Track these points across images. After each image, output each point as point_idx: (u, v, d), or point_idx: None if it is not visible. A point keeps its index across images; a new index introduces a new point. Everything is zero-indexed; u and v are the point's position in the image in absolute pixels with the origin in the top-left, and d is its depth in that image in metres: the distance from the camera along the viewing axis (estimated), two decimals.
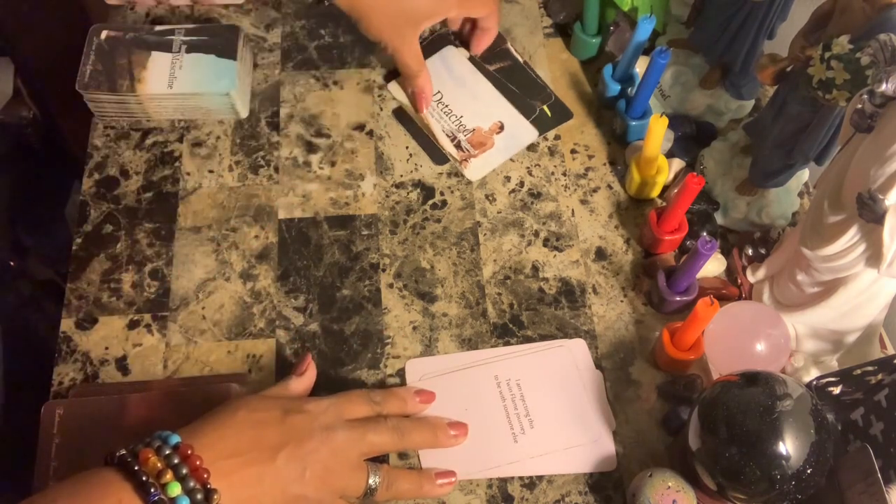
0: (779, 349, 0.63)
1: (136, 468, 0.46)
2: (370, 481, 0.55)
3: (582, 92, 0.84)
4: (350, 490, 0.55)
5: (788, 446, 0.51)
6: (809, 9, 0.63)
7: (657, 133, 0.69)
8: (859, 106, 0.53)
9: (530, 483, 0.64)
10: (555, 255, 0.75)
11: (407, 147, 0.80)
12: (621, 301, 0.72)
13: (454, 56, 0.84)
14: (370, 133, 0.80)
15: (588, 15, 0.81)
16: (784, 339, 0.64)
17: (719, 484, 0.54)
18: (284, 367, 0.68)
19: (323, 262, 0.73)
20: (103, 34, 0.78)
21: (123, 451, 0.47)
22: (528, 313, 0.72)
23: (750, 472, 0.52)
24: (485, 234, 0.75)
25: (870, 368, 0.58)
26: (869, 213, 0.52)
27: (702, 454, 0.55)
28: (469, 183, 0.78)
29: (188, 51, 0.78)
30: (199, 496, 0.46)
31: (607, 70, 0.80)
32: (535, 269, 0.74)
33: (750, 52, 0.72)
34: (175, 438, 0.48)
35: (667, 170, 0.75)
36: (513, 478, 0.64)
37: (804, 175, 0.77)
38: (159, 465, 0.46)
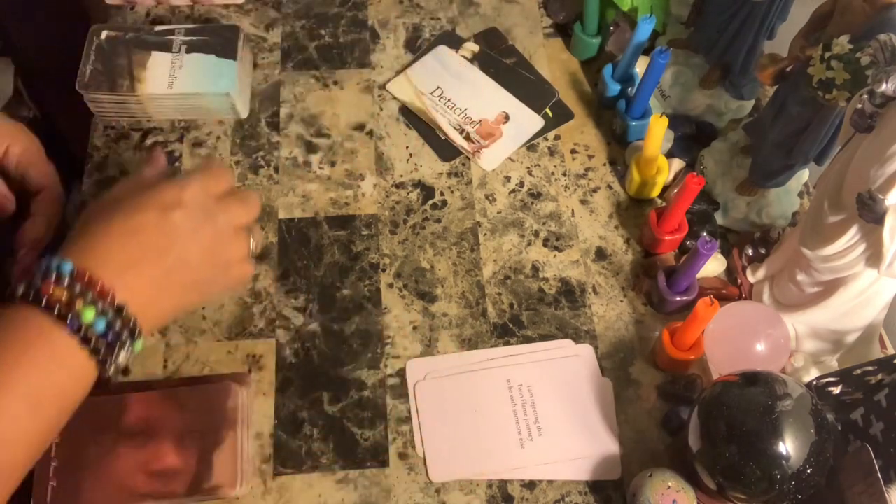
0: (779, 349, 0.63)
1: (44, 303, 0.46)
2: (251, 246, 0.57)
3: (582, 92, 0.84)
4: (235, 257, 0.56)
5: (788, 446, 0.51)
6: (809, 9, 0.63)
7: (657, 133, 0.70)
8: (859, 106, 0.53)
9: (530, 483, 0.64)
10: (555, 255, 0.75)
11: (407, 147, 0.80)
12: (621, 301, 0.72)
13: (447, 54, 0.84)
14: (370, 133, 0.80)
15: (588, 15, 0.81)
16: (784, 339, 0.64)
17: (719, 484, 0.54)
18: (284, 367, 0.68)
19: (323, 262, 0.73)
20: (103, 34, 0.78)
21: (23, 290, 0.46)
22: (528, 313, 0.72)
23: (750, 472, 0.52)
24: (485, 234, 0.75)
25: (870, 368, 0.58)
26: (869, 213, 0.52)
27: (702, 454, 0.55)
28: (469, 183, 0.78)
29: (188, 51, 0.78)
30: (111, 315, 0.47)
31: (607, 70, 0.80)
32: (535, 269, 0.74)
33: (750, 52, 0.72)
34: (68, 265, 0.47)
35: (667, 170, 0.75)
36: (513, 478, 0.64)
37: (804, 175, 0.77)
38: (64, 296, 0.46)
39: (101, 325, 0.46)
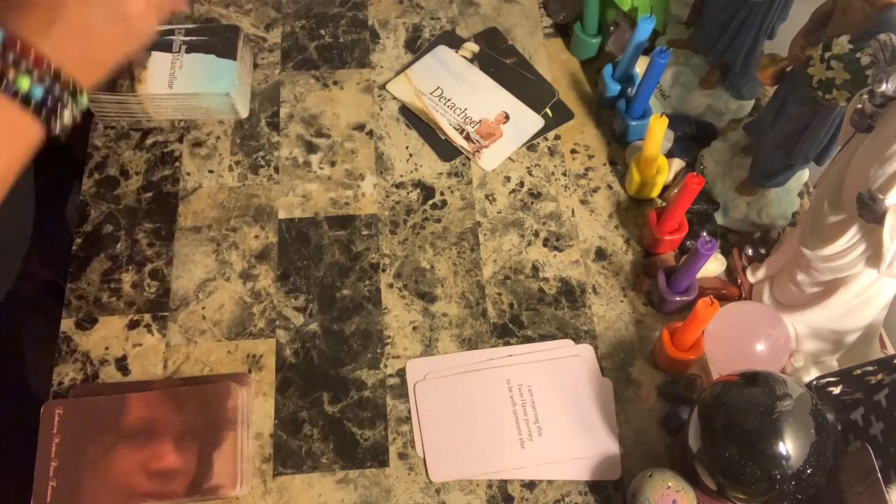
0: (779, 349, 0.63)
1: None
2: None
3: (582, 92, 0.84)
4: (130, 13, 0.51)
5: (788, 446, 0.51)
6: (809, 9, 0.63)
7: (657, 133, 0.69)
8: (859, 106, 0.53)
9: (530, 483, 0.64)
10: (555, 255, 0.75)
11: (407, 147, 0.80)
12: (621, 301, 0.72)
13: (447, 54, 0.84)
14: (370, 133, 0.81)
15: (588, 15, 0.81)
16: (784, 339, 0.64)
17: (719, 484, 0.54)
18: (284, 367, 0.68)
19: (323, 262, 0.73)
20: None
21: None
22: (528, 313, 0.72)
23: (750, 472, 0.52)
24: (485, 234, 0.75)
25: (870, 368, 0.58)
26: (869, 214, 0.52)
27: (702, 454, 0.55)
28: (469, 183, 0.78)
29: (188, 51, 0.78)
30: (48, 82, 0.46)
31: (607, 70, 0.80)
32: (535, 269, 0.74)
33: (750, 52, 0.72)
34: None
35: (667, 170, 0.75)
36: (513, 478, 0.64)
37: (804, 175, 0.77)
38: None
39: (38, 92, 0.46)
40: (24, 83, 0.45)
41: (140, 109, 0.78)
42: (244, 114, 0.80)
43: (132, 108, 0.78)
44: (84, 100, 0.49)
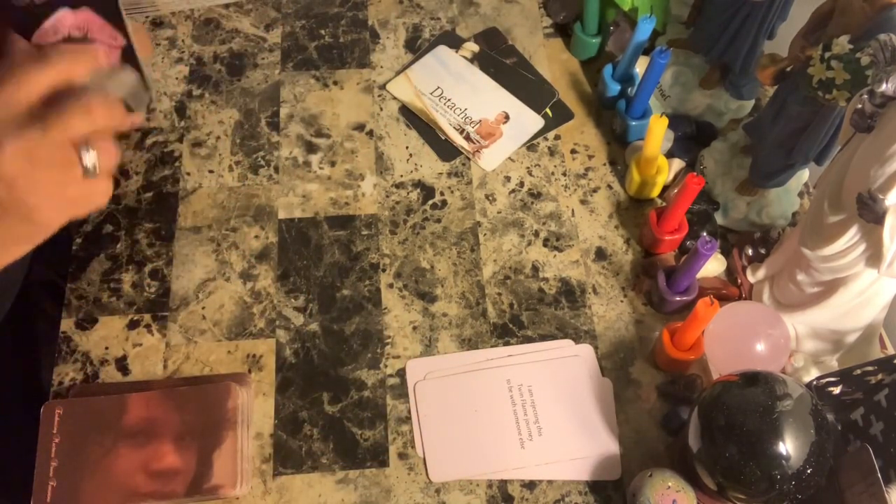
0: (779, 349, 0.63)
1: None
2: (88, 163, 0.46)
3: (582, 92, 0.84)
4: (68, 180, 0.46)
5: (788, 446, 0.51)
6: (809, 9, 0.63)
7: (657, 133, 0.69)
8: (859, 106, 0.53)
9: (530, 483, 0.64)
10: (555, 255, 0.74)
11: (407, 147, 0.80)
12: (621, 301, 0.72)
13: (447, 54, 0.84)
14: (370, 133, 0.81)
15: (588, 15, 0.81)
16: (784, 339, 0.64)
17: (719, 484, 0.54)
18: (284, 367, 0.68)
19: (323, 262, 0.73)
20: None
21: None
22: (528, 313, 0.72)
23: (750, 472, 0.52)
24: (485, 234, 0.75)
25: (870, 368, 0.58)
26: (869, 213, 0.52)
27: (702, 454, 0.55)
28: (469, 183, 0.78)
29: None
30: None
31: (607, 70, 0.80)
32: (535, 269, 0.74)
33: (750, 52, 0.72)
34: None
35: (667, 170, 0.75)
36: (513, 478, 0.64)
37: (804, 175, 0.77)
38: None
39: None
40: None
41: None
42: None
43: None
44: None
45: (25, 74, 0.44)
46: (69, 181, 0.46)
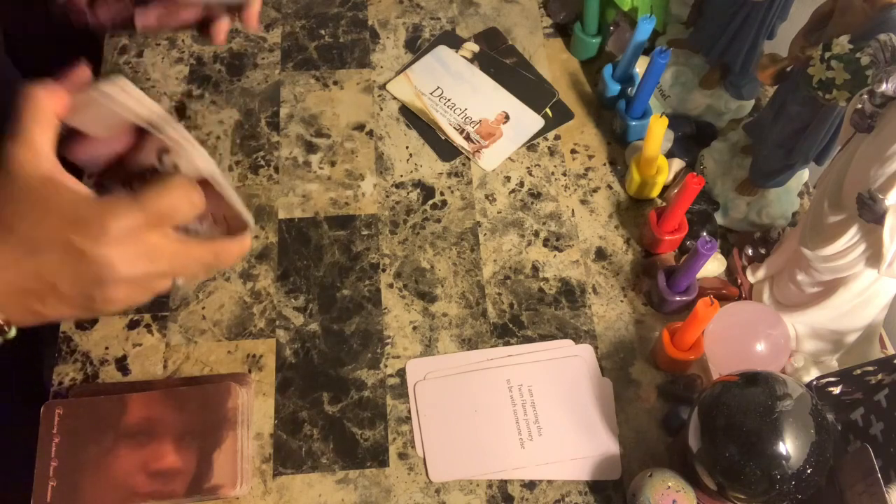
0: (779, 349, 0.63)
1: None
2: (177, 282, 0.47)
3: (582, 92, 0.84)
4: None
5: (788, 446, 0.51)
6: (809, 9, 0.63)
7: (657, 133, 0.69)
8: (859, 106, 0.53)
9: (530, 483, 0.64)
10: (555, 255, 0.75)
11: (407, 147, 0.80)
12: (621, 301, 0.72)
13: (447, 54, 0.84)
14: (370, 133, 0.81)
15: (588, 15, 0.81)
16: (784, 339, 0.64)
17: (719, 484, 0.54)
18: (284, 367, 0.68)
19: (323, 262, 0.73)
20: None
21: None
22: (528, 313, 0.72)
23: (750, 472, 0.52)
24: (485, 234, 0.75)
25: (870, 368, 0.58)
26: (869, 213, 0.52)
27: (702, 454, 0.55)
28: (469, 183, 0.78)
29: None
30: None
31: (607, 70, 0.80)
32: (535, 269, 0.74)
33: (750, 52, 0.72)
34: None
35: (667, 170, 0.75)
36: (513, 478, 0.64)
37: (804, 175, 0.77)
38: None
39: None
40: None
41: None
42: None
43: None
44: (11, 333, 0.45)
45: (178, 202, 0.46)
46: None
